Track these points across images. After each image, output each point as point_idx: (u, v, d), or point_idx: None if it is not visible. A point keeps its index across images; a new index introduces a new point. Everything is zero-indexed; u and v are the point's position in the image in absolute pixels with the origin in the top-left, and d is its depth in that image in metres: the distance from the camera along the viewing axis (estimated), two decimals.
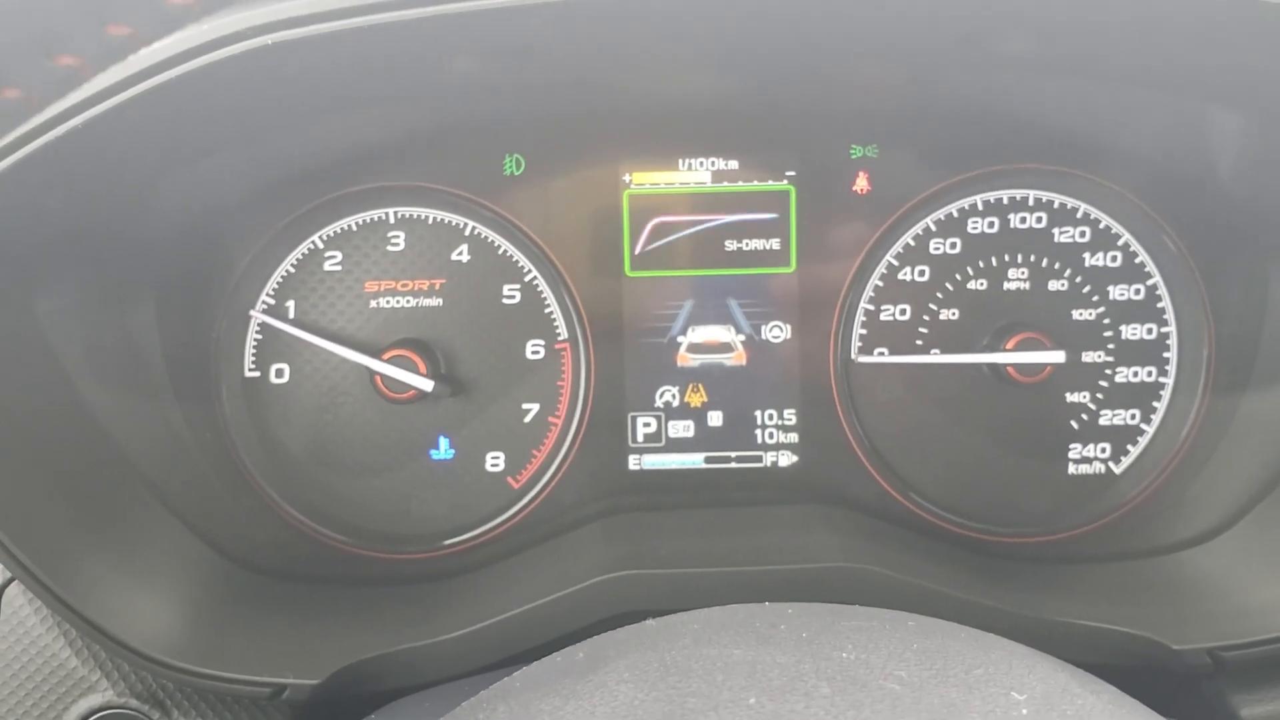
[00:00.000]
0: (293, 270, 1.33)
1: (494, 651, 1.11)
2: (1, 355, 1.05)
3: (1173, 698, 1.00)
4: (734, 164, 1.34)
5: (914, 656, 0.63)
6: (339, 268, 1.33)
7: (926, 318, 1.35)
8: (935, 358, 1.34)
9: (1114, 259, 1.34)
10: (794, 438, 1.36)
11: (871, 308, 1.35)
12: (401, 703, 1.01)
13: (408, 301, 1.33)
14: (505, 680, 0.70)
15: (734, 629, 0.67)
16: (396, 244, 1.33)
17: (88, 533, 1.09)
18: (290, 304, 1.33)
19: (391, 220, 1.33)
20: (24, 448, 1.05)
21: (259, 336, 1.33)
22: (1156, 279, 1.34)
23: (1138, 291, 1.34)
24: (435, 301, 1.33)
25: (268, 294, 1.33)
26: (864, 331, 1.35)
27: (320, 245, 1.33)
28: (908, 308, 1.35)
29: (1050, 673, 0.64)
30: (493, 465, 1.35)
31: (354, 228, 1.33)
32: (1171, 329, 1.34)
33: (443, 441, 1.34)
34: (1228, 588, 1.16)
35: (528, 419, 1.35)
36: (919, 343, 1.35)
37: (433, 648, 1.11)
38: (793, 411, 1.36)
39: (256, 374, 1.33)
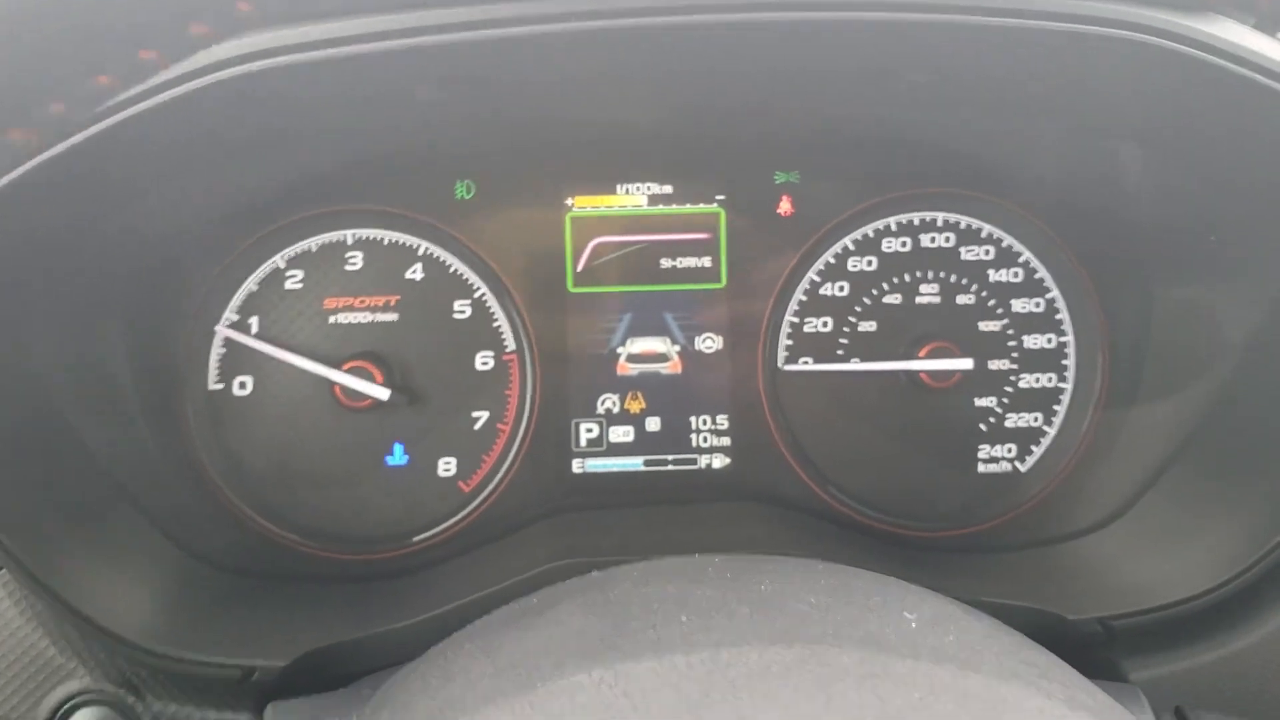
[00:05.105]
0: (256, 289, 1.42)
1: (449, 635, 1.20)
2: None
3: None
4: (668, 188, 1.45)
5: (823, 588, 0.73)
6: (300, 286, 1.42)
7: (846, 329, 1.46)
8: (855, 366, 1.46)
9: (1016, 275, 1.47)
10: (726, 441, 1.47)
11: (796, 320, 1.46)
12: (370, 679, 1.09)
13: (365, 317, 1.42)
14: (472, 624, 0.79)
15: (667, 573, 0.77)
16: (354, 263, 1.42)
17: (66, 529, 1.16)
18: (254, 320, 1.41)
19: (349, 241, 1.42)
20: (3, 449, 1.13)
21: (223, 351, 1.41)
22: (1055, 293, 1.47)
23: (1038, 305, 1.47)
24: (391, 317, 1.42)
25: (232, 310, 1.41)
26: (789, 342, 1.46)
27: (282, 265, 1.42)
28: (829, 320, 1.46)
29: (940, 603, 0.74)
30: (444, 470, 1.44)
31: (314, 248, 1.42)
32: (1069, 339, 1.47)
33: (397, 449, 1.43)
34: (1118, 568, 1.28)
35: (477, 426, 1.44)
36: (840, 352, 1.46)
37: (391, 633, 1.19)
38: (725, 417, 1.47)
39: (220, 386, 1.41)
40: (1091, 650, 1.19)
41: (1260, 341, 1.24)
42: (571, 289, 1.45)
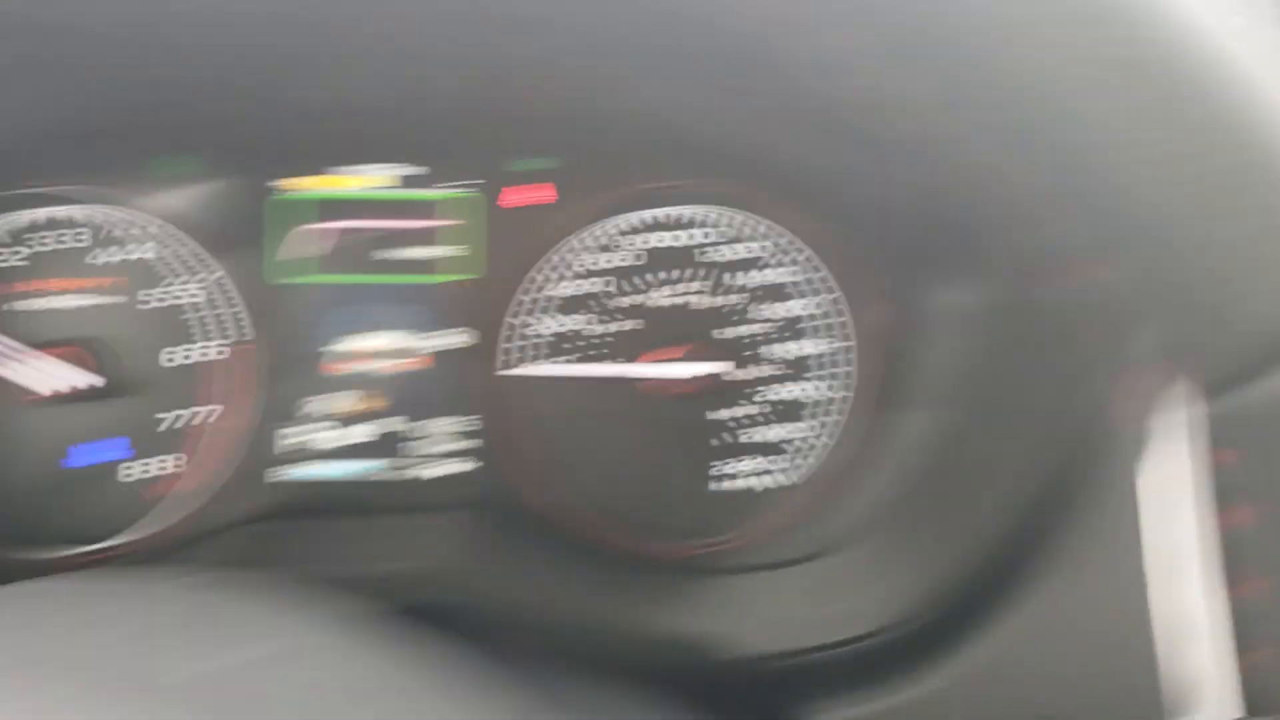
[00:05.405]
0: None
1: None
2: None
3: (752, 706, 0.98)
4: (402, 171, 1.33)
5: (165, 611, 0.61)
6: None
7: (593, 330, 1.33)
8: (594, 369, 1.32)
9: (780, 276, 1.33)
10: (452, 447, 1.33)
11: (537, 320, 1.33)
12: None
13: (53, 302, 1.30)
14: None
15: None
16: (42, 244, 1.30)
17: None
18: None
19: (43, 219, 1.31)
20: None
21: None
22: (818, 299, 1.33)
23: (798, 309, 1.33)
24: (79, 303, 1.30)
25: None
26: (528, 343, 1.33)
27: None
28: (574, 320, 1.33)
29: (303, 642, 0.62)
30: (134, 473, 1.31)
31: (13, 224, 1.30)
32: (830, 348, 1.33)
33: (80, 448, 1.30)
34: (808, 601, 1.14)
35: (173, 426, 1.31)
36: (581, 355, 1.33)
37: None
38: (452, 421, 1.33)
39: None
40: (769, 691, 1.03)
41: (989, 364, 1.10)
42: (279, 279, 1.32)
